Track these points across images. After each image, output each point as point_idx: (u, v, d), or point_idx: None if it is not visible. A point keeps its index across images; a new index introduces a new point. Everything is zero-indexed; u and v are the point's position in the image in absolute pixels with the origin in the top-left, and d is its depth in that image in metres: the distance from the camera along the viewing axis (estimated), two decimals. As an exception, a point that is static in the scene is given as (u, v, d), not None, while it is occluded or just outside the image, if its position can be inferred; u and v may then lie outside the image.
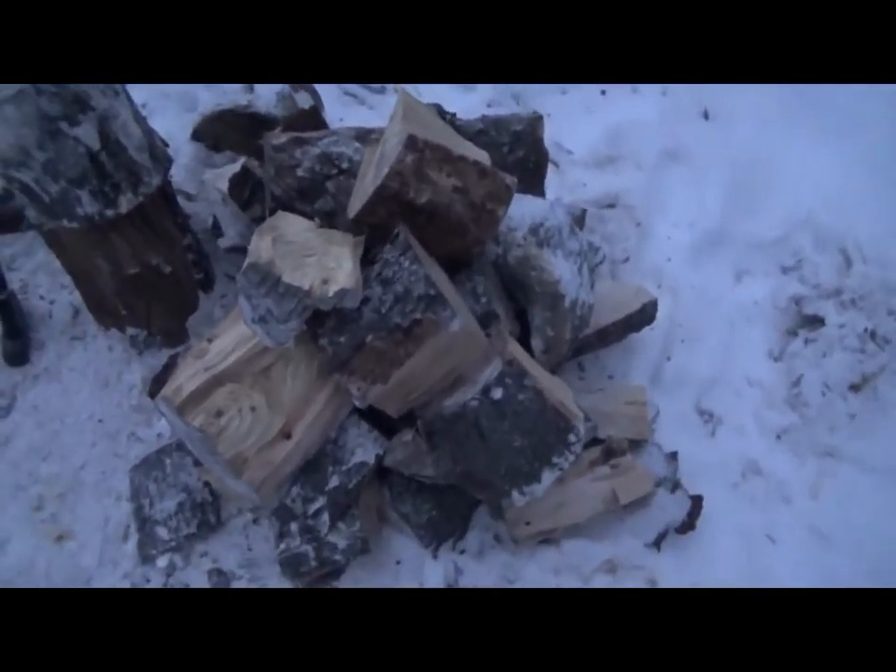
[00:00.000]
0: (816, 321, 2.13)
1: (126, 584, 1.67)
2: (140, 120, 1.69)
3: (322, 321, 1.40)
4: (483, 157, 1.50)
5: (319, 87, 2.37)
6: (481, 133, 1.80)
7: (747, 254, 2.35)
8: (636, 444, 1.83)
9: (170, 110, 2.35)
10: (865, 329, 2.04)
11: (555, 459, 1.48)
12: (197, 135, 2.21)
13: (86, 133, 1.52)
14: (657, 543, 1.71)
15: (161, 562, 1.69)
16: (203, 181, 2.08)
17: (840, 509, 1.84)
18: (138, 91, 1.72)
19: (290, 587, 1.63)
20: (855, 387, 1.99)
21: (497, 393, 1.42)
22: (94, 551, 1.72)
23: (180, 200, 2.01)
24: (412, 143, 1.32)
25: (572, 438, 1.47)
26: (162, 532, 1.70)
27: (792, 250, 2.33)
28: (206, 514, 1.73)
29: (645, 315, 1.97)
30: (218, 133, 2.20)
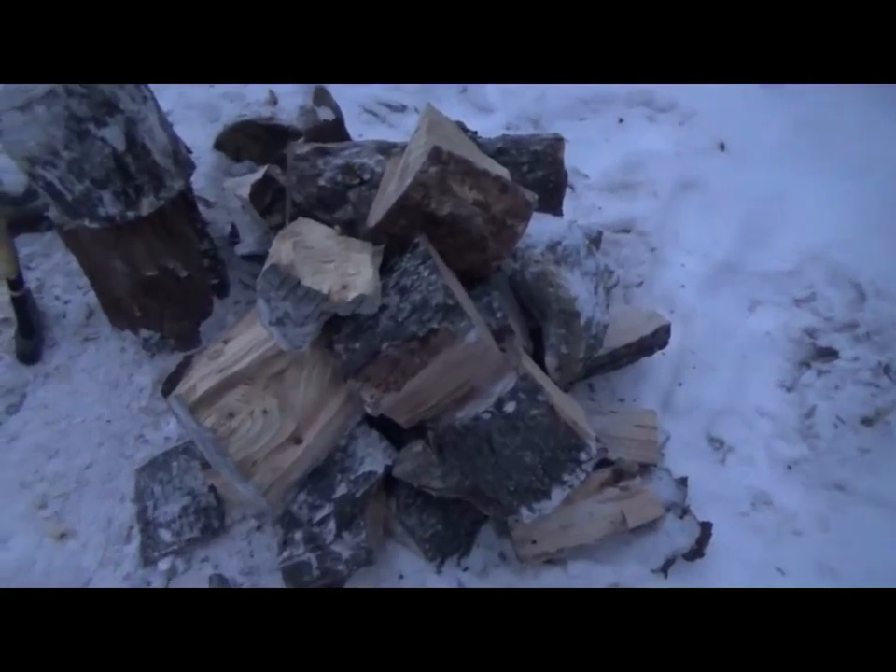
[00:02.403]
0: (829, 353, 2.12)
1: (126, 586, 1.65)
2: (166, 126, 1.72)
3: (338, 327, 1.41)
4: (504, 173, 1.51)
5: (340, 103, 2.41)
6: (501, 151, 1.82)
7: (760, 285, 2.35)
8: (644, 468, 1.82)
9: (194, 120, 2.40)
10: (879, 364, 2.03)
11: (566, 477, 1.47)
12: (219, 145, 2.24)
13: (113, 134, 1.55)
14: (664, 569, 1.68)
15: (163, 565, 1.67)
16: (223, 189, 2.10)
17: (849, 544, 1.81)
18: (163, 101, 1.75)
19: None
20: (867, 421, 1.97)
21: (510, 407, 1.41)
22: (96, 551, 1.70)
23: (200, 206, 2.03)
24: (436, 154, 1.34)
25: (584, 456, 1.46)
26: (165, 535, 1.69)
27: (805, 283, 2.34)
28: (210, 519, 1.71)
29: (658, 339, 1.96)
30: (240, 143, 2.23)
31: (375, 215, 1.50)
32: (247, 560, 1.69)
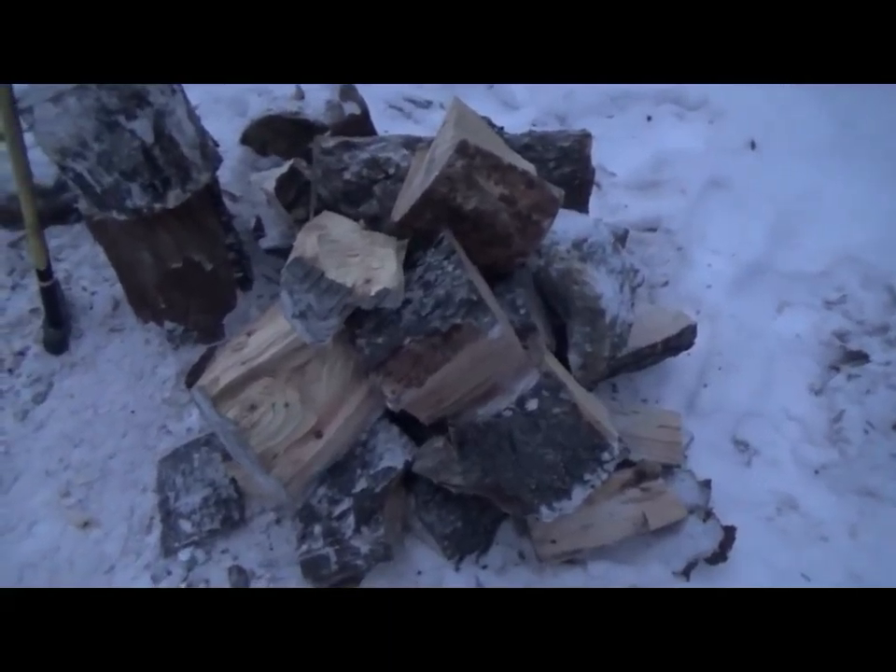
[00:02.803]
0: (860, 357, 2.07)
1: (147, 575, 1.66)
2: (194, 119, 1.73)
3: (361, 321, 1.41)
4: (530, 168, 1.49)
5: (365, 99, 2.41)
6: (527, 147, 1.80)
7: (789, 286, 2.31)
8: (667, 470, 1.79)
9: (221, 114, 2.41)
10: (912, 368, 1.99)
11: (587, 476, 1.45)
12: (246, 139, 2.25)
13: (142, 127, 1.56)
14: (686, 572, 1.66)
15: (183, 555, 1.68)
16: (248, 183, 2.11)
17: (878, 550, 1.77)
18: (192, 94, 1.77)
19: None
20: (899, 427, 1.93)
21: (533, 404, 1.39)
22: (118, 540, 1.72)
23: (225, 200, 2.04)
24: (463, 148, 1.33)
25: (606, 456, 1.44)
26: (186, 526, 1.70)
27: (836, 285, 2.29)
28: (230, 511, 1.72)
29: (683, 339, 1.94)
30: (266, 138, 2.23)
31: (400, 209, 1.49)
32: (266, 553, 1.69)
